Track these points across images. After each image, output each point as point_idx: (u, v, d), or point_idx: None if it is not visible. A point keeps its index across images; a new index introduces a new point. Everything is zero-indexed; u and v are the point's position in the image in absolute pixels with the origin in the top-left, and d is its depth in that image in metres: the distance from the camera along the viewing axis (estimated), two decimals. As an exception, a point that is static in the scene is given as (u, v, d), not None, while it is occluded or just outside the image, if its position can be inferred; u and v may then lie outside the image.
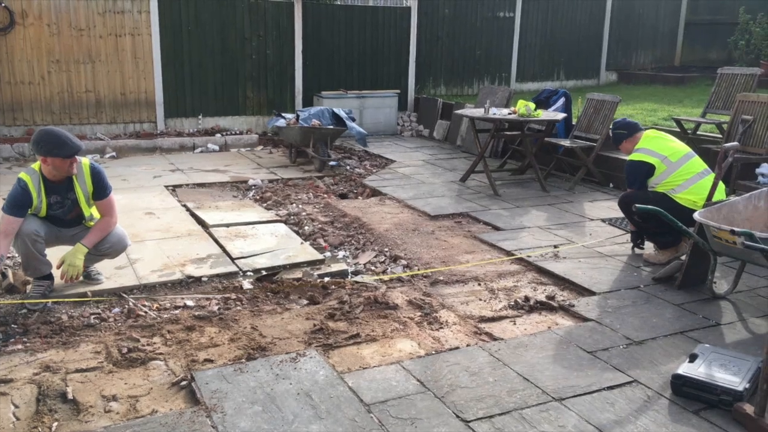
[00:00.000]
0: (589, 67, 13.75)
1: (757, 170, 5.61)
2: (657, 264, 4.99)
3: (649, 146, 4.95)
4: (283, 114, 8.97)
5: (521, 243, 5.46)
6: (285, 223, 6.12)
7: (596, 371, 3.40)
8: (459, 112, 8.05)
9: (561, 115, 7.31)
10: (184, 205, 6.53)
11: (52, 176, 4.13)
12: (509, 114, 7.17)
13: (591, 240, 5.57)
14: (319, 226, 6.07)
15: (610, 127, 5.21)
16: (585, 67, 13.68)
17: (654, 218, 4.54)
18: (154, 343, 3.65)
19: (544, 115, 7.19)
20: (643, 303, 4.30)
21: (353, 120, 8.84)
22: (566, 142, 7.54)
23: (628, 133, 5.14)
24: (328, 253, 5.42)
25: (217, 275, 4.70)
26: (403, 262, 5.08)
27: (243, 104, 10.26)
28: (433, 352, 3.59)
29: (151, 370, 3.36)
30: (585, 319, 4.06)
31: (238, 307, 4.19)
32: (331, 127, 8.51)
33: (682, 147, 5.01)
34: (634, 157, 4.97)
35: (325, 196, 7.20)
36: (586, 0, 13.32)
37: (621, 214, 6.35)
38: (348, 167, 8.55)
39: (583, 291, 4.54)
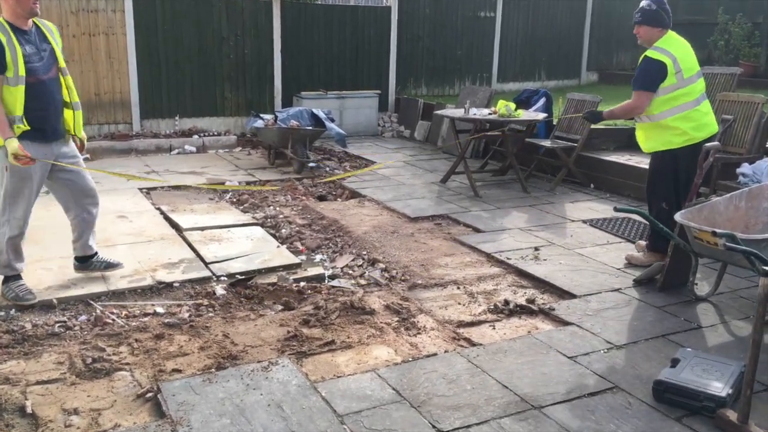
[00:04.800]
0: (570, 67, 13.73)
1: (738, 170, 5.58)
2: (639, 265, 4.93)
3: (671, 49, 4.63)
4: (261, 115, 8.83)
5: (501, 245, 5.38)
6: (262, 226, 5.99)
7: (576, 377, 3.32)
8: (439, 112, 7.97)
9: (542, 115, 7.25)
10: (158, 209, 6.37)
11: (16, 17, 3.82)
12: (489, 114, 7.10)
13: (572, 241, 5.50)
14: (297, 228, 5.95)
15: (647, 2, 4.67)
16: (566, 67, 13.66)
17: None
18: (121, 352, 3.51)
19: (524, 115, 7.13)
20: (624, 306, 4.23)
21: (332, 121, 8.73)
22: (547, 143, 7.48)
23: (659, 23, 4.69)
24: (304, 257, 5.30)
25: (190, 280, 4.57)
26: (381, 265, 4.97)
27: (221, 105, 10.09)
28: (410, 359, 3.49)
29: (116, 382, 3.22)
30: (565, 323, 3.98)
31: (210, 314, 4.06)
32: (310, 128, 8.39)
33: (695, 63, 4.77)
34: (653, 54, 4.63)
35: (304, 198, 7.08)
36: (567, 0, 13.31)
37: (602, 215, 6.32)
38: (327, 169, 8.43)
39: (563, 294, 4.46)
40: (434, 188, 7.35)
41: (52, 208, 6.18)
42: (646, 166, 7.12)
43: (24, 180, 3.96)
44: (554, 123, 8.02)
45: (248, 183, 7.58)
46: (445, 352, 3.58)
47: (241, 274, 4.77)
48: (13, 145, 3.76)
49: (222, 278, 4.70)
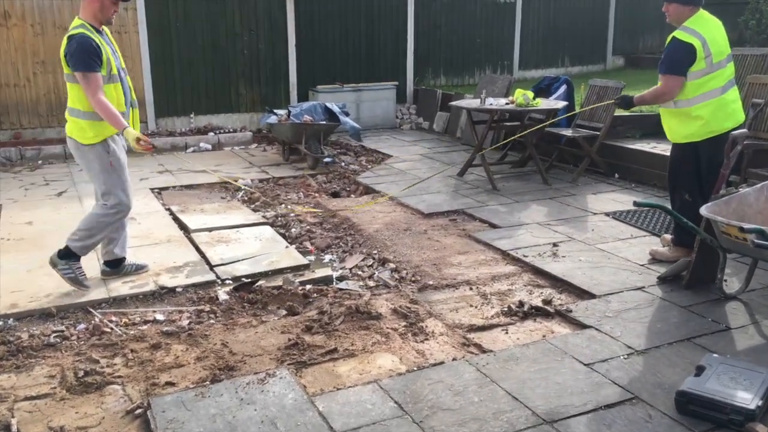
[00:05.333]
0: (594, 52, 13.33)
1: (770, 158, 5.26)
2: (664, 261, 4.66)
3: (701, 30, 4.33)
4: (274, 110, 8.67)
5: (518, 241, 5.15)
6: (271, 225, 5.84)
7: (593, 387, 3.09)
8: (455, 103, 7.73)
9: (561, 104, 6.96)
10: (168, 209, 6.27)
11: (95, 20, 4.08)
12: (507, 104, 6.83)
13: (593, 236, 5.24)
14: (307, 227, 5.79)
15: None
16: (590, 53, 13.26)
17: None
18: (115, 364, 3.38)
19: (543, 103, 6.85)
20: (646, 306, 3.98)
21: (347, 114, 8.54)
22: (568, 132, 7.19)
23: (690, 1, 4.38)
24: (313, 257, 5.14)
25: (193, 285, 4.43)
26: (392, 265, 4.78)
27: (236, 101, 9.97)
28: (415, 369, 3.30)
29: (106, 396, 3.09)
30: (583, 326, 3.75)
31: (211, 320, 3.92)
32: (324, 122, 8.21)
33: (726, 46, 4.46)
34: (682, 36, 4.33)
35: (316, 195, 6.91)
36: (590, -17, 12.91)
37: (626, 207, 6.04)
38: (343, 164, 8.24)
39: (582, 293, 4.22)
40: (451, 182, 7.12)
41: (62, 211, 6.15)
42: (661, 152, 6.87)
43: (124, 171, 4.28)
44: (576, 111, 7.72)
45: (261, 181, 7.44)
46: (453, 360, 3.38)
47: (246, 276, 4.63)
48: (134, 132, 4.02)
49: (227, 281, 4.56)
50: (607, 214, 5.83)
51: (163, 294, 4.31)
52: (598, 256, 4.82)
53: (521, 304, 4.04)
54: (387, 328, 3.76)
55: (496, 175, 7.10)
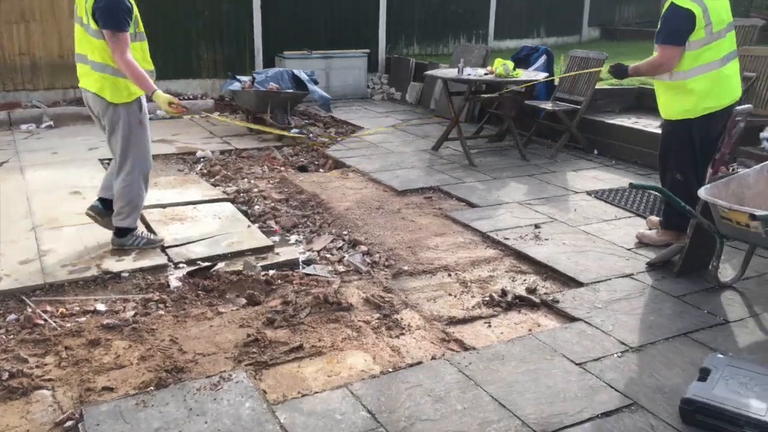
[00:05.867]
0: (570, 22, 12.97)
1: (762, 134, 4.99)
2: (652, 245, 4.38)
3: None
4: (238, 77, 8.14)
5: (498, 222, 4.81)
6: (233, 201, 5.40)
7: (588, 391, 2.78)
8: (430, 73, 7.30)
9: (542, 75, 6.59)
10: (119, 183, 5.77)
11: None
12: (486, 74, 6.44)
13: (576, 217, 4.93)
14: (272, 204, 5.36)
15: None
16: (566, 23, 12.91)
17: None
18: (46, 364, 2.96)
19: (523, 75, 6.48)
20: (637, 295, 3.69)
21: (316, 83, 8.05)
22: (548, 105, 6.85)
23: None
24: (278, 238, 4.73)
25: (141, 269, 3.99)
26: (363, 248, 4.40)
27: (197, 66, 9.39)
28: (390, 370, 2.94)
29: (33, 404, 2.68)
30: (572, 319, 3.43)
31: (160, 311, 3.50)
32: (291, 91, 7.73)
33: (727, 13, 4.12)
34: (681, 1, 3.97)
35: (282, 169, 6.47)
36: (568, -50, 12.49)
37: (608, 185, 5.74)
38: (311, 135, 7.79)
39: (568, 281, 3.91)
40: (425, 157, 6.74)
41: (10, 182, 5.60)
42: (654, 130, 6.59)
43: (149, 131, 4.19)
44: (555, 83, 7.37)
45: (222, 152, 6.96)
46: (432, 359, 3.04)
47: (203, 259, 4.21)
48: (164, 95, 3.91)
49: (180, 265, 4.14)
50: (589, 193, 5.53)
51: (107, 280, 3.87)
52: (582, 239, 4.51)
53: (504, 293, 3.71)
54: (358, 320, 3.39)
55: (473, 149, 6.74)
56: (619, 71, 4.48)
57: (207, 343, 3.15)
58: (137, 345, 3.12)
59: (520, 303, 3.63)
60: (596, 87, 6.91)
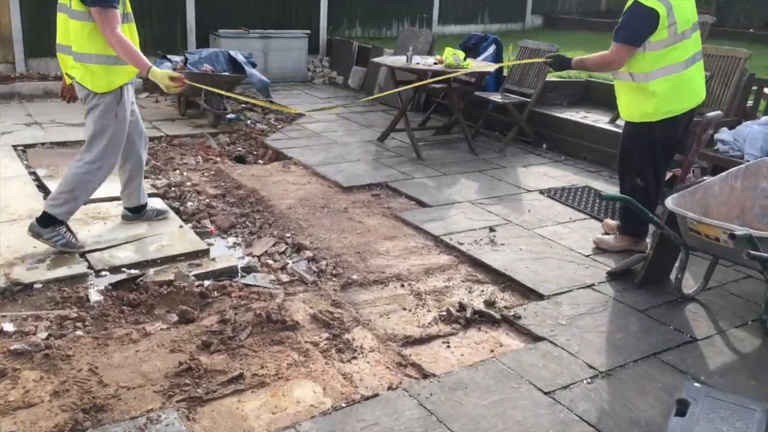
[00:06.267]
0: (514, 10, 12.83)
1: (717, 136, 4.89)
2: (609, 251, 4.22)
3: None
4: (168, 56, 7.55)
5: (451, 224, 4.55)
6: (163, 197, 4.94)
7: (560, 426, 2.56)
8: (378, 60, 6.95)
9: (494, 66, 6.36)
10: (33, 173, 5.21)
11: None
12: (435, 64, 6.14)
13: (530, 218, 4.73)
14: (207, 201, 4.93)
15: None
16: (510, 10, 12.76)
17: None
18: (-64, 405, 2.51)
19: (474, 65, 6.21)
20: (601, 309, 3.50)
21: (254, 66, 7.56)
22: (497, 98, 6.62)
23: None
24: (213, 240, 4.34)
25: (57, 280, 3.54)
26: (308, 253, 4.06)
27: (124, 43, 8.70)
28: (344, 404, 2.63)
29: None
30: (535, 338, 3.21)
31: (78, 332, 3.07)
32: (227, 73, 7.22)
33: (693, 13, 3.94)
34: (646, 0, 3.71)
35: (218, 159, 6.02)
36: (513, -65, 12.31)
37: (559, 183, 5.58)
38: (248, 122, 7.33)
39: (528, 292, 3.68)
40: (371, 148, 6.41)
41: None
42: (604, 126, 6.49)
43: (125, 125, 3.92)
44: (504, 74, 7.16)
45: (152, 139, 6.42)
46: (389, 389, 2.75)
47: (128, 266, 3.78)
48: (161, 70, 3.71)
49: (103, 273, 3.70)
50: (541, 192, 5.34)
51: (17, 292, 3.39)
52: (539, 244, 4.30)
53: (462, 307, 3.45)
54: (306, 342, 3.06)
55: (420, 141, 6.44)
56: (558, 63, 4.30)
57: (132, 373, 2.75)
58: (50, 376, 2.70)
59: (480, 319, 3.38)
60: (547, 79, 6.73)
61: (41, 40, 8.07)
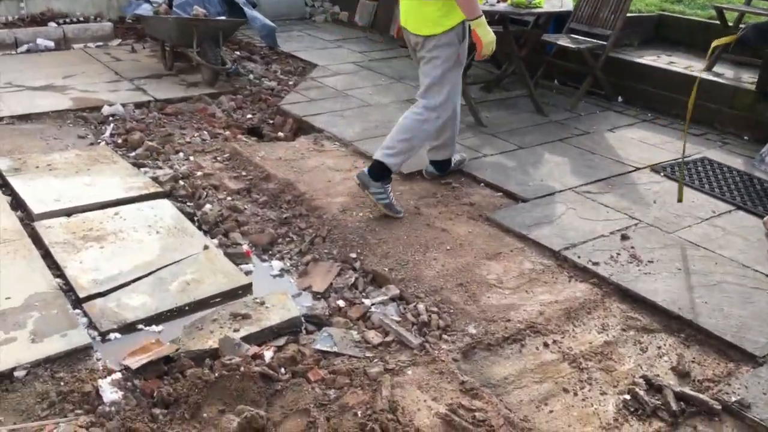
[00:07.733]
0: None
1: None
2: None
3: None
4: (148, -5, 6.08)
5: (566, 230, 3.42)
6: (170, 196, 3.72)
7: None
8: None
9: (569, 3, 5.09)
10: (-9, 168, 3.91)
11: None
12: (498, 2, 4.84)
13: (663, 215, 3.63)
14: (229, 201, 3.72)
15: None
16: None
17: None
18: None
19: (546, 5, 4.93)
20: (836, 373, 2.46)
21: (254, 5, 6.13)
22: (565, 41, 5.37)
23: None
24: (252, 266, 3.16)
25: (48, 360, 2.35)
26: (394, 289, 2.91)
27: (86, -23, 7.17)
28: None
29: None
30: (782, 443, 2.16)
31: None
32: (223, 18, 5.81)
33: None
34: None
35: (228, 134, 4.73)
36: None
37: (668, 156, 4.46)
38: (251, 76, 5.99)
39: (727, 349, 2.60)
40: (415, 111, 5.15)
41: None
42: (702, 75, 5.32)
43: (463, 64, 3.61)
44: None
45: (139, 106, 5.09)
46: None
47: (144, 321, 2.61)
48: (490, 31, 3.33)
49: (111, 336, 2.53)
50: (654, 170, 4.21)
51: (-13, 393, 2.22)
52: (697, 258, 3.20)
53: (651, 385, 2.37)
54: (453, 479, 1.97)
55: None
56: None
57: None
58: None
59: (686, 405, 2.31)
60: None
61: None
